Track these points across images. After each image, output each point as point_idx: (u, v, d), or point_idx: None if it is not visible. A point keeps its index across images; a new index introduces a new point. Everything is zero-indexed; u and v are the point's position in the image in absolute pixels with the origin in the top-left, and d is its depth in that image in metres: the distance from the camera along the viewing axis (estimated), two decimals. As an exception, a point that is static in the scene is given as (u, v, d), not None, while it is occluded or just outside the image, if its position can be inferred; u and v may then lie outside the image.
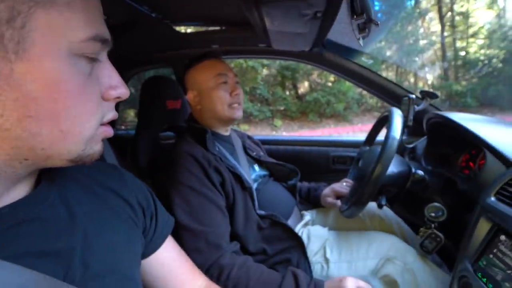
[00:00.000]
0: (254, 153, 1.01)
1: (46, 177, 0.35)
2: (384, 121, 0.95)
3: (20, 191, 0.31)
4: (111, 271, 0.35)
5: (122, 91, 0.33)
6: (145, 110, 1.00)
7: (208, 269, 0.65)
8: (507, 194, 0.55)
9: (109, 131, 0.34)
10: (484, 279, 0.53)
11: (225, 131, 0.94)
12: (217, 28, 1.02)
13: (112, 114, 0.33)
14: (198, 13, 0.93)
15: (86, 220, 0.35)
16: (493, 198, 0.58)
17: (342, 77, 1.14)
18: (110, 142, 0.97)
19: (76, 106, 0.28)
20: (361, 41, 0.57)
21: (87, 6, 0.29)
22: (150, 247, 0.46)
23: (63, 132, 0.28)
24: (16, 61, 0.25)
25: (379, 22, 0.46)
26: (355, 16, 0.42)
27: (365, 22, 0.46)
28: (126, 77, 1.33)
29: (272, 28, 0.82)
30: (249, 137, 1.11)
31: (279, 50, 1.07)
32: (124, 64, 1.25)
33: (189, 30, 1.10)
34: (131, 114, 3.62)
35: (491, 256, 0.54)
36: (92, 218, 0.36)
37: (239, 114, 0.88)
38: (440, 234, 0.72)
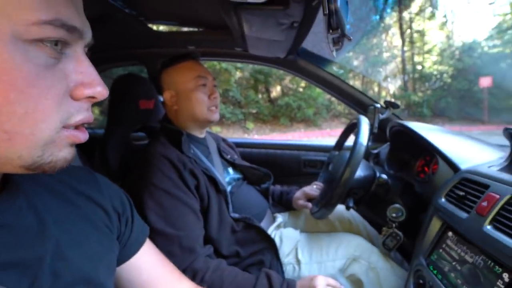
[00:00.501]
0: (229, 156, 1.01)
1: (12, 182, 0.31)
2: (352, 128, 1.02)
3: None
4: (84, 280, 0.33)
5: (98, 90, 0.29)
6: (116, 109, 0.95)
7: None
8: (454, 195, 0.62)
9: (78, 135, 0.29)
10: (435, 271, 0.59)
11: (200, 133, 0.93)
12: (194, 29, 1.02)
13: (82, 116, 0.28)
14: (175, 12, 0.91)
15: (58, 228, 0.33)
16: (443, 199, 0.65)
17: (314, 84, 1.20)
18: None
19: (23, 102, 0.24)
20: (334, 53, 0.61)
21: None
22: (125, 253, 0.44)
23: (7, 133, 0.24)
24: None
25: (351, 37, 0.50)
26: (331, 31, 0.45)
27: (339, 37, 0.49)
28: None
29: (250, 33, 0.84)
30: (224, 140, 1.11)
31: (255, 55, 1.09)
32: (92, 60, 1.18)
33: (161, 28, 1.07)
34: (95, 112, 3.40)
35: (440, 250, 0.61)
36: (64, 225, 0.34)
37: (216, 116, 0.88)
38: (400, 233, 0.79)
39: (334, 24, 0.44)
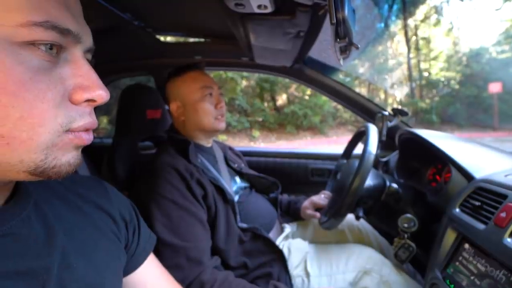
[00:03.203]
0: (236, 165, 1.01)
1: (23, 191, 0.31)
2: (360, 136, 1.00)
3: None
4: None
5: (98, 93, 0.28)
6: (123, 118, 0.96)
7: (188, 286, 0.63)
8: (469, 205, 0.60)
9: (81, 136, 0.28)
10: (452, 286, 0.57)
11: (207, 143, 0.93)
12: (201, 39, 1.03)
13: (85, 121, 0.28)
14: (182, 23, 0.93)
15: (66, 237, 0.33)
16: (457, 209, 0.63)
17: (320, 92, 1.20)
18: (82, 150, 0.92)
19: (17, 106, 0.23)
20: (341, 61, 0.60)
21: None
22: (132, 264, 0.44)
23: (4, 138, 0.24)
24: None
25: (359, 46, 0.50)
26: (338, 40, 0.45)
27: (347, 45, 0.49)
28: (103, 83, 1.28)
29: (256, 43, 0.84)
30: (231, 149, 1.11)
31: (261, 64, 1.10)
32: (101, 70, 1.21)
33: (168, 39, 1.09)
34: (103, 121, 3.46)
35: (457, 263, 0.58)
36: (73, 234, 0.34)
37: (223, 125, 0.88)
38: (413, 244, 0.76)
39: (342, 33, 0.43)
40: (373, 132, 0.78)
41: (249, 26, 0.73)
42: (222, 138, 6.89)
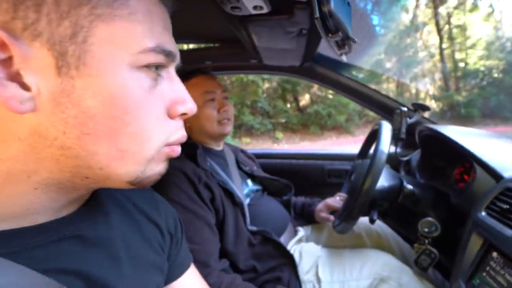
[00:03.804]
0: (247, 168, 1.00)
1: (95, 197, 0.34)
2: (375, 135, 0.95)
3: (70, 208, 0.31)
4: None
5: (190, 106, 0.31)
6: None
7: (194, 288, 0.64)
8: (497, 209, 0.54)
9: (174, 149, 0.31)
10: (477, 299, 0.51)
11: (217, 146, 0.94)
12: (210, 45, 1.05)
13: (180, 134, 0.31)
14: (190, 31, 0.95)
15: (122, 246, 0.34)
16: (483, 213, 0.56)
17: (334, 90, 1.15)
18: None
19: (134, 122, 0.27)
20: (344, 57, 0.57)
21: (149, 17, 0.27)
22: (172, 274, 0.44)
23: (120, 151, 0.27)
24: (76, 77, 0.24)
25: (356, 40, 0.47)
26: (330, 35, 0.42)
27: (343, 39, 0.47)
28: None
29: (261, 44, 0.84)
30: (243, 151, 1.11)
31: (271, 65, 1.08)
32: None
33: (180, 47, 1.12)
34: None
35: (484, 274, 0.52)
36: (127, 243, 0.35)
37: (228, 129, 0.88)
38: (435, 250, 0.70)
39: (332, 27, 0.41)
40: (386, 129, 0.73)
41: (250, 28, 0.72)
42: (245, 140, 6.95)
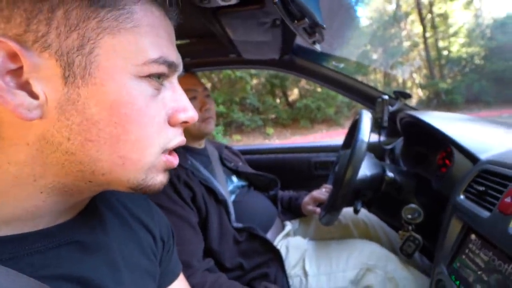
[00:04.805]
0: (232, 164, 0.99)
1: (92, 203, 0.35)
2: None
3: (68, 214, 0.32)
4: None
5: (191, 114, 0.32)
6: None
7: (177, 291, 0.62)
8: (474, 191, 0.54)
9: (172, 160, 0.32)
10: (458, 282, 0.51)
11: (198, 145, 0.92)
12: (186, 41, 1.02)
13: (178, 140, 0.32)
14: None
15: (117, 251, 0.35)
16: (462, 196, 0.57)
17: (315, 82, 1.14)
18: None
19: (135, 130, 0.28)
20: (317, 46, 0.56)
21: (154, 30, 0.28)
22: (162, 281, 0.44)
23: (122, 158, 0.28)
24: (82, 85, 0.25)
25: (324, 26, 0.45)
26: (295, 21, 0.41)
27: (311, 26, 0.45)
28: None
29: (236, 38, 0.82)
30: (227, 148, 1.09)
31: (250, 59, 1.06)
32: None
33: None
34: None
35: (463, 257, 0.52)
36: (121, 248, 0.36)
37: (210, 127, 0.87)
38: (418, 236, 0.70)
39: (297, 13, 0.40)
40: (366, 118, 0.72)
41: (223, 21, 0.70)
42: (236, 138, 6.91)
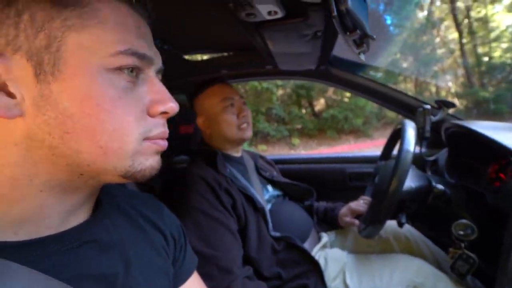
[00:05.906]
0: (267, 173, 1.00)
1: (101, 205, 0.37)
2: (398, 135, 0.91)
3: (83, 214, 0.33)
4: None
5: (170, 105, 0.33)
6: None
7: (219, 295, 0.63)
8: (542, 207, 0.49)
9: (159, 142, 0.33)
10: (526, 307, 0.46)
11: (236, 152, 0.94)
12: (225, 54, 1.07)
13: (159, 130, 0.33)
14: (205, 41, 0.98)
15: (130, 249, 0.36)
16: (526, 213, 0.52)
17: (351, 92, 1.13)
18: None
19: (111, 120, 0.29)
20: (362, 57, 0.56)
21: (121, 23, 0.30)
22: (179, 279, 0.46)
23: (102, 148, 0.29)
24: (53, 82, 0.27)
25: (374, 37, 0.46)
26: (348, 33, 0.42)
27: (361, 38, 0.46)
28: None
29: (276, 50, 0.84)
30: (262, 157, 1.11)
31: (286, 70, 1.09)
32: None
33: (195, 57, 1.15)
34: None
35: (532, 279, 0.48)
36: (133, 247, 0.37)
37: (248, 134, 0.89)
38: (473, 255, 0.65)
39: (350, 25, 0.41)
40: (410, 128, 0.70)
41: (265, 34, 0.73)
42: (261, 148, 6.94)
